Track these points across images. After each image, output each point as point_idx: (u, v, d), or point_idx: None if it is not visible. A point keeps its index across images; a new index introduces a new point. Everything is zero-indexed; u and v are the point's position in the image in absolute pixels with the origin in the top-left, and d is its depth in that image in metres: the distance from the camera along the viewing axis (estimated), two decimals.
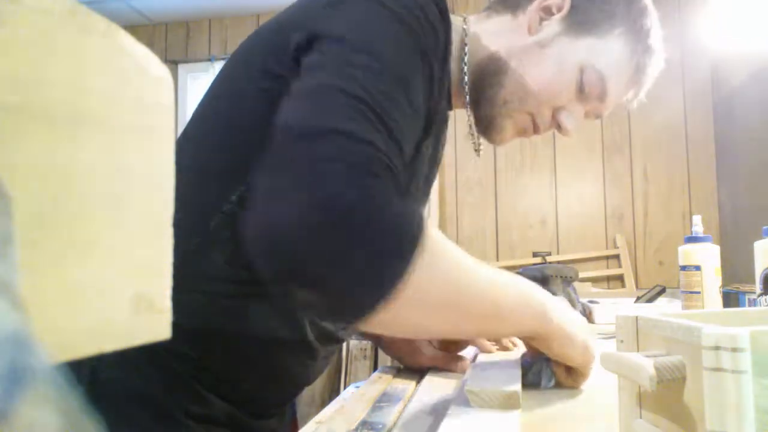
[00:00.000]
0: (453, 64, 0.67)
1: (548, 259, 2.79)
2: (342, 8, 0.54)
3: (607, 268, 2.92)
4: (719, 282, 1.03)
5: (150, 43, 3.65)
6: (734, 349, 0.29)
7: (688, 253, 1.04)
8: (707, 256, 1.02)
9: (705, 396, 0.31)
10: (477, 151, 0.79)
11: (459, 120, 3.10)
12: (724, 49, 2.66)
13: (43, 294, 0.19)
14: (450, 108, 0.72)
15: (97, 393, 0.57)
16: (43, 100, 0.19)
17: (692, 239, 1.05)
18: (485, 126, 0.71)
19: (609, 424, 0.50)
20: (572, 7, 0.67)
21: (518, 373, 0.59)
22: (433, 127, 0.60)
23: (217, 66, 3.34)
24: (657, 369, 0.34)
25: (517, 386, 0.52)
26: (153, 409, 0.61)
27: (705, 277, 1.01)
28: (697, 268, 1.02)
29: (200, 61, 3.42)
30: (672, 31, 2.91)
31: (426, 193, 0.75)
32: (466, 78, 0.68)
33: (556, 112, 0.69)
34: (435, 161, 0.71)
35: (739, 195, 2.60)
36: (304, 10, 0.58)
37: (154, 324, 0.23)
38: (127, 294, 0.22)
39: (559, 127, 0.69)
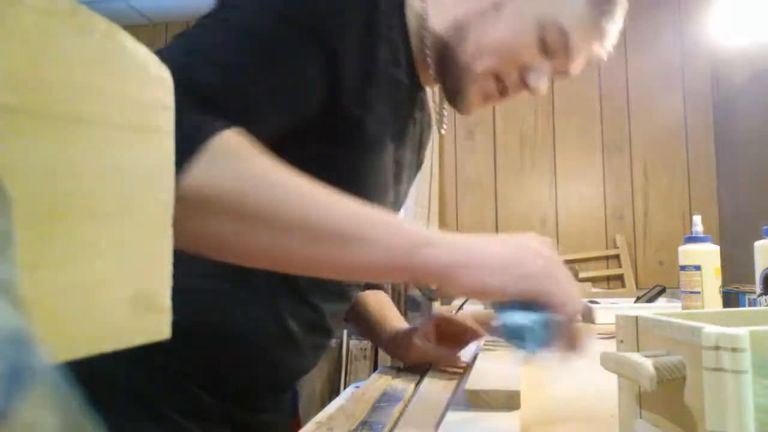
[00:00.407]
0: (414, 40, 0.67)
1: None
2: None
3: (607, 268, 2.92)
4: (719, 282, 1.03)
5: (150, 43, 3.62)
6: (734, 349, 0.29)
7: (688, 253, 1.04)
8: (707, 256, 1.02)
9: (705, 396, 0.31)
10: (439, 128, 0.78)
11: (459, 120, 3.10)
12: (724, 50, 2.66)
13: (43, 294, 0.19)
14: (419, 87, 0.71)
15: (87, 390, 0.56)
16: (43, 100, 0.19)
17: (692, 239, 1.05)
18: (451, 95, 0.70)
19: (609, 424, 0.50)
20: None
21: (518, 372, 0.59)
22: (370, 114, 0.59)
23: None
24: (657, 369, 0.34)
25: (517, 385, 0.52)
26: (144, 407, 0.61)
27: (705, 277, 1.01)
28: (697, 268, 1.02)
29: None
30: (672, 31, 2.92)
31: (401, 178, 0.73)
32: (428, 51, 0.67)
33: (522, 72, 0.66)
34: (402, 135, 0.69)
35: (739, 195, 2.60)
36: None
37: (154, 324, 0.23)
38: (127, 294, 0.22)
39: (527, 86, 0.67)
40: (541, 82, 0.67)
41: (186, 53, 0.50)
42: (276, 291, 0.64)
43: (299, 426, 0.86)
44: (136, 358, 0.57)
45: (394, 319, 0.89)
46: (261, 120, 0.52)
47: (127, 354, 0.22)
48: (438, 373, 0.75)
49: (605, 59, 0.70)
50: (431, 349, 0.78)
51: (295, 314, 0.66)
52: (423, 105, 0.77)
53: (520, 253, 0.48)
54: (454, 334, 0.81)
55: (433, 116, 0.79)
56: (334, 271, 0.52)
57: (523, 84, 0.67)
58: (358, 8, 0.57)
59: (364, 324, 0.89)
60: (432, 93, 0.75)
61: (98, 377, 0.57)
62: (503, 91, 0.68)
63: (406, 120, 0.70)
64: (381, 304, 0.90)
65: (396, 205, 0.75)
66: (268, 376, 0.70)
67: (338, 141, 0.60)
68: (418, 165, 0.82)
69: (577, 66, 0.68)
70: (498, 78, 0.67)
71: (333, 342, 2.89)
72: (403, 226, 0.48)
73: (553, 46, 0.65)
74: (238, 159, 0.45)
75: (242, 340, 0.64)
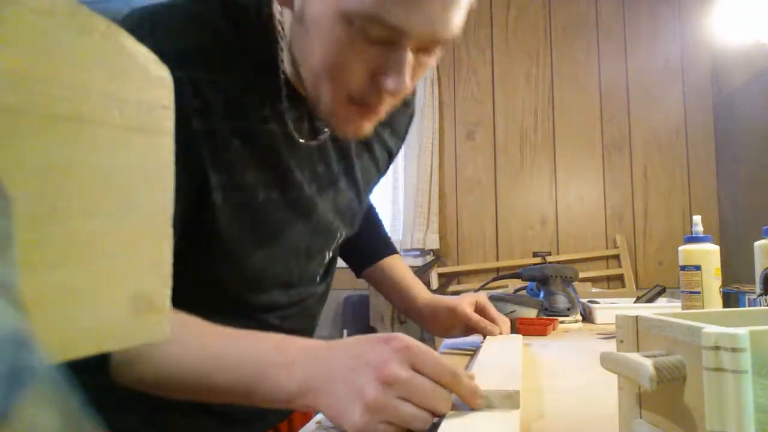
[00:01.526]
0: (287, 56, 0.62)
1: (548, 259, 2.79)
2: None
3: (607, 268, 2.92)
4: (719, 282, 1.03)
5: None
6: (734, 349, 0.29)
7: (688, 253, 1.04)
8: (707, 256, 1.02)
9: (705, 396, 0.31)
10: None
11: (459, 121, 3.10)
12: (724, 49, 2.66)
13: (43, 294, 0.19)
14: (300, 99, 0.63)
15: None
16: (43, 100, 0.19)
17: (692, 239, 1.05)
18: (330, 128, 0.67)
19: (609, 424, 0.50)
20: None
21: (518, 371, 0.59)
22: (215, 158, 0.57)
23: None
24: (657, 369, 0.34)
25: (518, 385, 0.52)
26: (116, 399, 0.63)
27: (705, 277, 1.01)
28: (697, 268, 1.02)
29: None
30: (672, 31, 2.92)
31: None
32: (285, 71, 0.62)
33: (374, 75, 0.54)
34: (297, 162, 0.66)
35: (739, 195, 2.60)
36: None
37: (154, 324, 0.23)
38: (127, 294, 0.22)
39: (387, 92, 0.54)
40: (398, 81, 0.53)
41: None
42: (230, 311, 0.66)
43: (304, 415, 0.88)
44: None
45: (422, 288, 0.98)
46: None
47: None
48: (448, 357, 0.75)
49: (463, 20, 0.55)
50: (475, 314, 0.88)
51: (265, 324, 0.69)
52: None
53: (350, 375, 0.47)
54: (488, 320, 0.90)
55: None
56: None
57: (380, 89, 0.54)
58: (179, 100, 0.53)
59: (389, 288, 0.97)
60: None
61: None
62: (367, 110, 0.58)
63: (292, 152, 0.65)
64: (404, 272, 0.99)
65: (340, 212, 0.75)
66: None
67: (214, 205, 0.59)
68: (376, 158, 0.82)
69: (442, 30, 0.52)
70: (352, 99, 0.56)
71: None
72: (272, 382, 0.50)
73: (381, 34, 0.51)
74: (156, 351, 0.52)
75: None
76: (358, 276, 1.02)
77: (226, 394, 0.52)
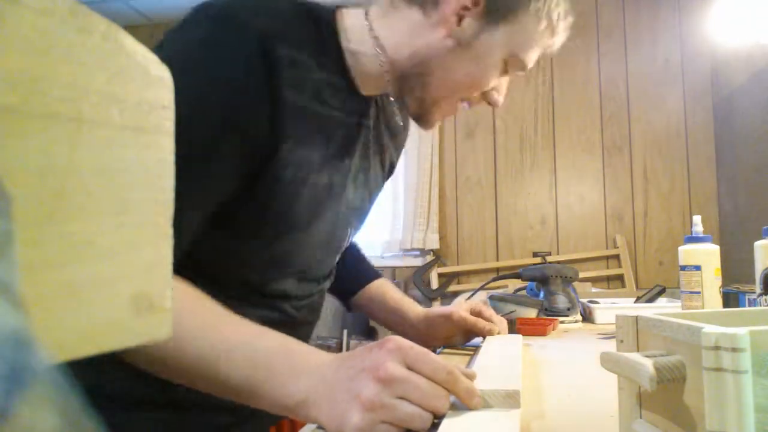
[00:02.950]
0: (352, 59, 0.69)
1: (548, 259, 2.79)
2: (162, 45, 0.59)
3: (607, 268, 2.92)
4: (719, 282, 1.03)
5: (150, 43, 3.62)
6: (734, 349, 0.29)
7: (688, 253, 1.04)
8: (707, 256, 1.02)
9: (705, 396, 0.31)
10: (406, 127, 0.87)
11: (459, 121, 3.10)
12: (724, 49, 2.66)
13: (43, 294, 0.19)
14: (363, 99, 0.73)
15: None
16: (42, 100, 0.19)
17: (692, 239, 1.05)
18: (415, 116, 0.74)
19: (609, 424, 0.50)
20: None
21: (518, 371, 0.59)
22: (291, 149, 0.61)
23: None
24: (657, 369, 0.34)
25: (518, 385, 0.52)
26: (136, 399, 0.66)
27: (705, 277, 1.01)
28: (697, 268, 1.02)
29: None
30: (672, 31, 2.92)
31: (360, 200, 0.79)
32: (387, 76, 0.70)
33: (484, 93, 0.73)
34: (342, 152, 0.71)
35: (739, 195, 2.60)
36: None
37: (154, 324, 0.23)
38: (127, 294, 0.22)
39: (489, 103, 0.74)
40: (502, 97, 0.75)
41: None
42: (247, 295, 0.69)
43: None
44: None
45: (413, 304, 0.98)
46: (189, 213, 0.58)
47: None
48: (448, 357, 0.75)
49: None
50: (471, 316, 0.89)
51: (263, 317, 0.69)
52: (377, 112, 0.79)
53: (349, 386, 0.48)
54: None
55: (390, 114, 0.83)
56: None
57: (486, 101, 0.74)
58: (254, 84, 0.58)
59: (379, 310, 0.97)
60: (390, 102, 0.81)
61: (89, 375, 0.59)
62: (465, 106, 0.75)
63: (345, 139, 0.71)
64: (392, 292, 0.99)
65: (355, 209, 0.78)
66: None
67: (262, 187, 0.63)
68: (384, 164, 0.86)
69: (529, 68, 0.74)
70: (462, 99, 0.73)
71: (333, 343, 2.88)
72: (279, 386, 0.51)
73: (513, 69, 0.71)
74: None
75: None
76: (348, 307, 1.01)
77: (230, 390, 0.52)
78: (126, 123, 0.22)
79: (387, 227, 3.11)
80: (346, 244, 0.82)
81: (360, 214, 0.81)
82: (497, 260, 3.01)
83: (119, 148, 0.22)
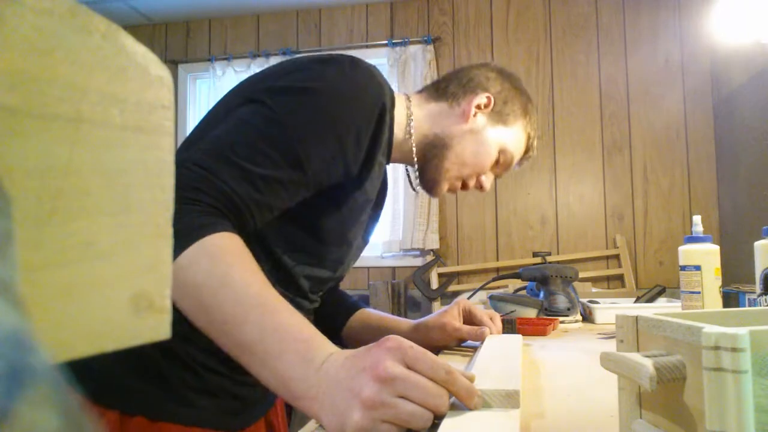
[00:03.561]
0: (397, 130, 0.89)
1: (548, 259, 2.79)
2: (281, 83, 0.72)
3: (607, 268, 2.92)
4: (719, 282, 1.03)
5: (150, 43, 3.65)
6: (734, 349, 0.29)
7: (688, 253, 1.04)
8: (707, 256, 1.02)
9: (705, 396, 0.31)
10: (414, 189, 1.02)
11: None
12: (724, 49, 2.66)
13: (43, 294, 0.19)
14: (388, 162, 0.92)
15: (94, 367, 0.68)
16: (43, 100, 0.19)
17: (692, 239, 1.05)
18: (428, 185, 0.95)
19: (609, 424, 0.50)
20: (494, 105, 0.94)
21: (518, 371, 0.59)
22: (367, 181, 0.79)
23: (217, 66, 3.34)
24: (657, 369, 0.34)
25: (518, 385, 0.52)
26: (157, 380, 0.71)
27: (705, 277, 1.01)
28: (697, 268, 1.02)
29: (200, 61, 3.42)
30: (672, 31, 2.92)
31: (366, 229, 0.94)
32: (413, 147, 0.91)
33: (478, 177, 0.96)
34: (367, 203, 0.86)
35: (739, 195, 2.60)
36: (272, 70, 0.77)
37: (154, 324, 0.23)
38: (127, 294, 0.22)
39: (480, 186, 0.97)
40: (489, 184, 0.98)
41: (221, 150, 0.65)
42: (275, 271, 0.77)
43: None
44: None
45: (399, 320, 1.01)
46: (275, 210, 0.71)
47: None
48: (448, 357, 0.75)
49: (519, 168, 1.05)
50: (464, 326, 0.93)
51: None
52: (386, 173, 0.99)
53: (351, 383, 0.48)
54: (476, 324, 0.95)
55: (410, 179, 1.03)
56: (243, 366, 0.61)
57: (477, 185, 0.97)
58: (373, 122, 0.75)
59: (369, 331, 0.99)
60: (409, 170, 1.00)
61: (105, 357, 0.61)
62: (464, 188, 0.97)
63: (378, 184, 0.89)
64: (378, 315, 1.03)
65: (359, 248, 0.93)
66: None
67: (336, 202, 0.78)
68: (372, 202, 0.99)
69: (507, 172, 1.02)
70: (462, 180, 0.95)
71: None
72: (303, 342, 0.53)
73: (503, 163, 0.97)
74: (215, 260, 0.56)
75: None
76: (339, 342, 1.02)
77: (241, 346, 0.54)
78: (126, 123, 0.22)
79: (387, 227, 3.11)
80: (345, 273, 0.94)
81: (360, 246, 0.93)
82: (497, 260, 3.01)
83: (119, 148, 0.22)
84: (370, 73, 0.76)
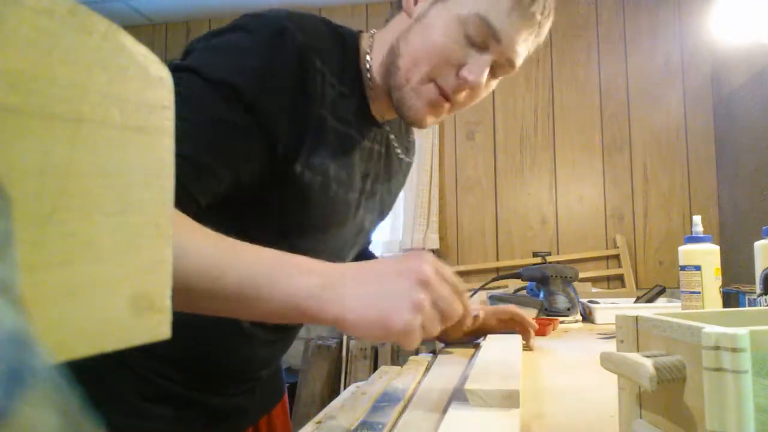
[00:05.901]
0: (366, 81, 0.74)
1: (548, 259, 2.79)
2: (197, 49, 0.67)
3: (607, 268, 2.92)
4: (719, 282, 1.03)
5: (150, 43, 3.65)
6: (734, 349, 0.29)
7: (688, 253, 1.04)
8: (707, 256, 1.02)
9: (705, 396, 0.31)
10: (405, 156, 0.89)
11: (459, 121, 3.09)
12: (724, 49, 2.66)
13: (43, 294, 0.19)
14: (377, 125, 0.78)
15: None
16: (43, 100, 0.19)
17: (692, 239, 1.05)
18: (400, 110, 0.73)
19: (609, 424, 0.50)
20: None
21: (518, 371, 0.59)
22: (327, 146, 0.67)
23: None
24: (657, 369, 0.34)
25: (517, 385, 0.52)
26: (108, 393, 0.68)
27: (705, 277, 1.01)
28: (697, 268, 1.02)
29: None
30: (672, 31, 2.92)
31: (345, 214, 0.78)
32: (378, 79, 0.73)
33: (459, 70, 0.69)
34: (354, 176, 0.75)
35: (739, 195, 2.60)
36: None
37: (154, 324, 0.23)
38: (127, 294, 0.22)
39: (465, 82, 0.68)
40: (476, 75, 0.68)
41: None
42: None
43: (284, 413, 0.91)
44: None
45: None
46: (208, 190, 0.60)
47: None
48: (439, 371, 0.75)
49: (541, 44, 0.75)
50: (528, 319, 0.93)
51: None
52: (387, 144, 0.83)
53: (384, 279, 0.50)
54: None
55: (396, 145, 0.86)
56: (247, 317, 0.60)
57: (460, 80, 0.69)
58: (287, 81, 0.63)
59: None
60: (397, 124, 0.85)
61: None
62: (445, 94, 0.70)
63: (360, 160, 0.75)
64: None
65: (362, 231, 0.82)
66: (227, 366, 0.77)
67: (283, 191, 0.66)
68: (384, 200, 0.89)
69: (516, 54, 0.70)
70: (436, 82, 0.70)
71: (334, 343, 2.88)
72: (288, 280, 0.50)
73: (479, 35, 0.67)
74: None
75: (192, 332, 0.63)
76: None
77: (233, 297, 0.50)
78: (126, 123, 0.22)
79: (387, 227, 3.11)
80: (350, 258, 0.86)
81: (366, 232, 0.85)
82: (497, 260, 3.01)
83: (119, 148, 0.22)
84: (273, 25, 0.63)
